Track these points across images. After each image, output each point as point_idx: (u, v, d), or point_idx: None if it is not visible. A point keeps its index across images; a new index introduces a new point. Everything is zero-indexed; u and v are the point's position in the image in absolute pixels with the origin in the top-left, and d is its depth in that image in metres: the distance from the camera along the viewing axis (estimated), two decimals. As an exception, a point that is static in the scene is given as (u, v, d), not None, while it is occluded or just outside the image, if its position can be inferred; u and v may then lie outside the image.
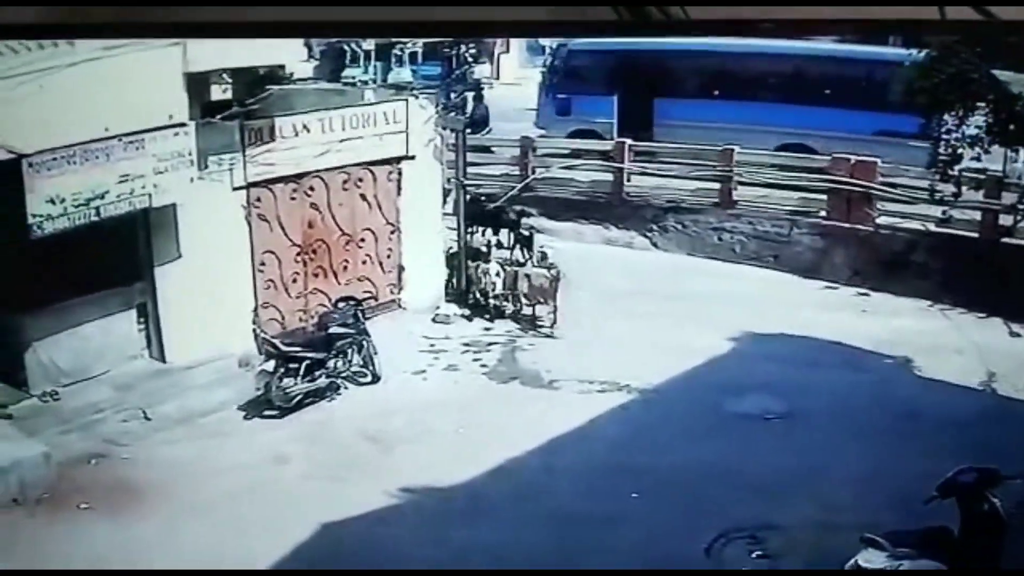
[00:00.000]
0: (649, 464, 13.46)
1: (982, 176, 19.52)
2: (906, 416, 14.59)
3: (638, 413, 15.06)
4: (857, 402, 15.28)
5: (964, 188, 19.84)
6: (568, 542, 11.67)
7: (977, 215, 20.03)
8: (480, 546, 11.57)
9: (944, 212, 19.15)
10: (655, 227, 24.23)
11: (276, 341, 15.40)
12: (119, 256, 14.98)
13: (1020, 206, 18.78)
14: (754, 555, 11.33)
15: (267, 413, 14.77)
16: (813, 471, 12.90)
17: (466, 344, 17.39)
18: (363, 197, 18.10)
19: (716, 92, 26.82)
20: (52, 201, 12.92)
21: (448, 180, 20.49)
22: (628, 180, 24.70)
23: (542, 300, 18.09)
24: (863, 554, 10.09)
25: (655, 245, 24.18)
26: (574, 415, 14.92)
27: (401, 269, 18.94)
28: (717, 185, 23.50)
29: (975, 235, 19.93)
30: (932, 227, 20.15)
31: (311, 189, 17.17)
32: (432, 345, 16.80)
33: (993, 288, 18.95)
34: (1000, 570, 7.29)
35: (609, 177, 24.86)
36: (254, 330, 16.28)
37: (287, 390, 14.84)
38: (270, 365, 14.94)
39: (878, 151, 22.48)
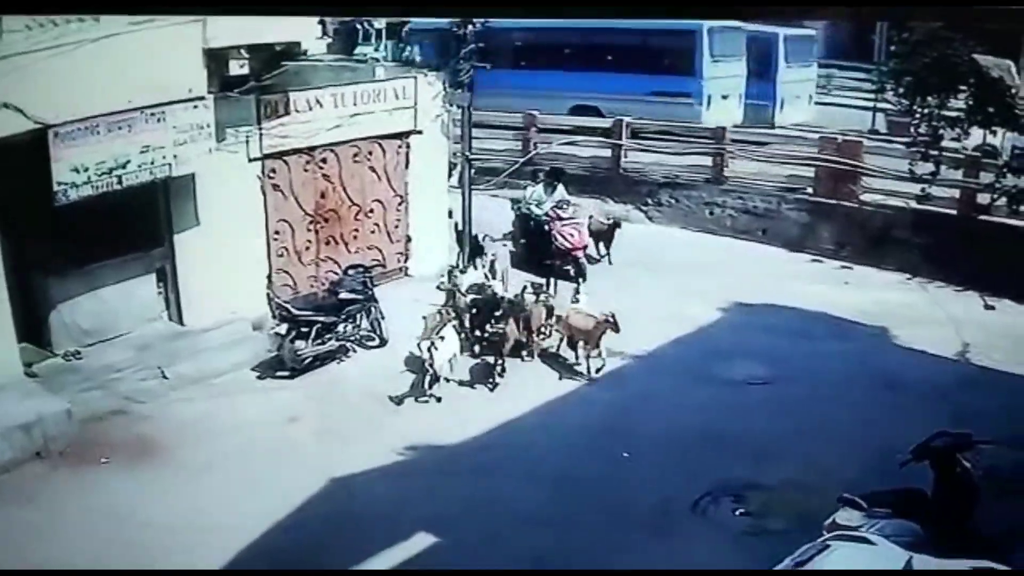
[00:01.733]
0: (640, 426, 13.48)
1: (961, 156, 19.42)
2: (884, 384, 14.56)
3: (632, 377, 15.04)
4: (838, 370, 15.24)
5: (943, 167, 19.80)
6: (563, 497, 11.71)
7: (955, 193, 19.94)
8: (480, 500, 11.59)
9: (923, 190, 19.04)
10: (651, 201, 24.17)
11: (289, 306, 15.32)
12: (140, 223, 14.91)
13: (996, 185, 18.66)
14: (737, 512, 11.33)
15: (279, 374, 14.74)
16: (796, 434, 12.87)
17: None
18: (372, 169, 18.01)
19: (522, 63, 28.43)
20: (76, 170, 12.84)
21: (454, 154, 20.36)
22: (625, 156, 24.63)
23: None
24: (840, 513, 10.07)
25: (650, 219, 24.12)
26: (570, 380, 14.93)
27: (408, 239, 18.89)
28: (710, 161, 23.43)
29: (953, 212, 19.85)
30: (913, 204, 20.03)
31: (323, 161, 17.07)
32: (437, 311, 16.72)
33: (969, 263, 18.89)
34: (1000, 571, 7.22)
35: (608, 153, 24.78)
36: (268, 295, 16.23)
37: (299, 352, 14.79)
38: (283, 328, 14.87)
39: (652, 109, 25.70)
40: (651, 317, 16.61)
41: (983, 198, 19.33)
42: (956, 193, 19.93)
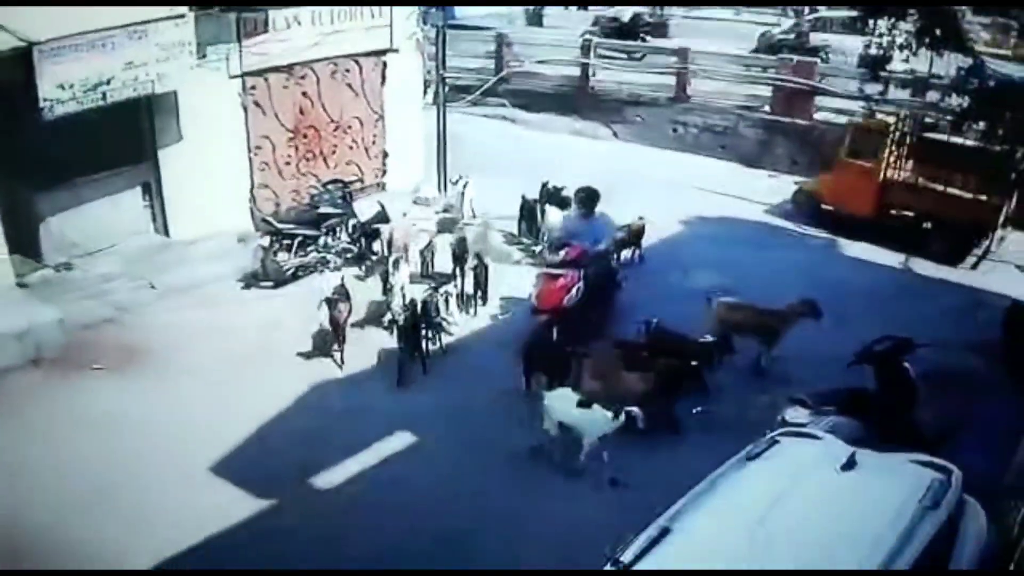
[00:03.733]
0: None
1: (909, 76, 19.29)
2: (832, 291, 14.62)
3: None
4: (790, 278, 15.31)
5: (892, 86, 19.71)
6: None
7: (902, 112, 19.86)
8: (450, 404, 11.67)
9: (870, 108, 19.00)
10: (617, 119, 23.93)
11: (271, 219, 15.16)
12: (125, 139, 14.64)
13: (942, 104, 18.58)
14: (695, 411, 11.43)
15: (263, 284, 14.63)
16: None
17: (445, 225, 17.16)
18: (350, 87, 17.67)
19: None
20: (62, 87, 12.52)
21: (429, 72, 20.00)
22: (594, 75, 24.30)
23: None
24: (789, 411, 10.24)
25: (616, 136, 23.92)
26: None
27: (385, 154, 18.65)
28: (673, 81, 23.17)
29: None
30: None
31: (302, 78, 16.71)
32: (413, 224, 16.57)
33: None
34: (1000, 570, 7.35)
35: (577, 72, 24.44)
36: (251, 209, 16.04)
37: (281, 264, 14.70)
38: (266, 241, 14.75)
39: None
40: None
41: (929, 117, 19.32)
42: (903, 112, 19.85)
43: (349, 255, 15.54)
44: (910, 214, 17.92)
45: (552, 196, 16.72)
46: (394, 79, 18.32)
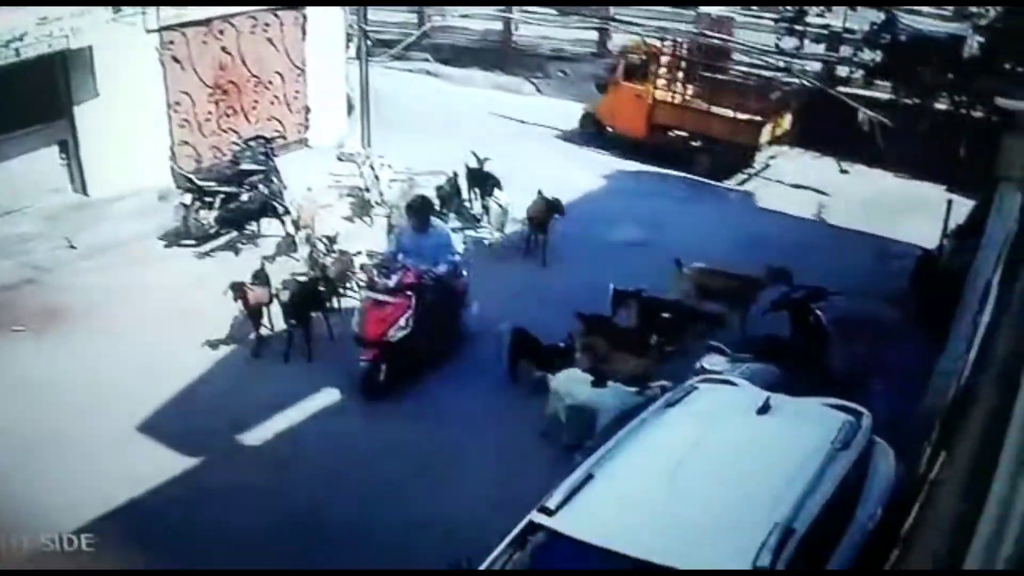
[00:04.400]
0: (540, 281, 13.78)
1: (824, 31, 19.61)
2: (750, 242, 14.93)
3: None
4: (708, 230, 15.56)
5: (806, 41, 19.99)
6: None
7: (818, 66, 20.21)
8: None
9: (787, 63, 19.29)
10: (540, 74, 23.86)
11: (192, 176, 14.82)
12: (40, 96, 14.18)
13: (854, 58, 18.95)
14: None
15: (185, 242, 14.34)
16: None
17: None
18: (270, 41, 17.27)
19: None
20: (-28, 43, 12.05)
21: (350, 26, 19.65)
22: (516, 29, 24.15)
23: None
24: (707, 358, 10.48)
25: (539, 91, 23.87)
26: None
27: (307, 110, 18.33)
28: (595, 36, 23.15)
29: (815, 84, 20.11)
30: (779, 77, 20.20)
31: (221, 32, 16.28)
32: (338, 181, 16.39)
33: (828, 131, 19.28)
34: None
35: (499, 26, 24.25)
36: (171, 166, 15.65)
37: (203, 222, 14.41)
38: (187, 199, 14.41)
39: None
40: (544, 185, 16.56)
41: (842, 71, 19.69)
42: (818, 66, 20.20)
43: (273, 212, 15.30)
44: (683, 134, 19.24)
45: (476, 176, 15.83)
46: (315, 33, 17.96)
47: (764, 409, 7.61)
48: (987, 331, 8.13)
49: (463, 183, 15.77)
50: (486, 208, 15.41)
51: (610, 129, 20.25)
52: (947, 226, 14.03)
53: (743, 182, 18.86)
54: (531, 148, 19.28)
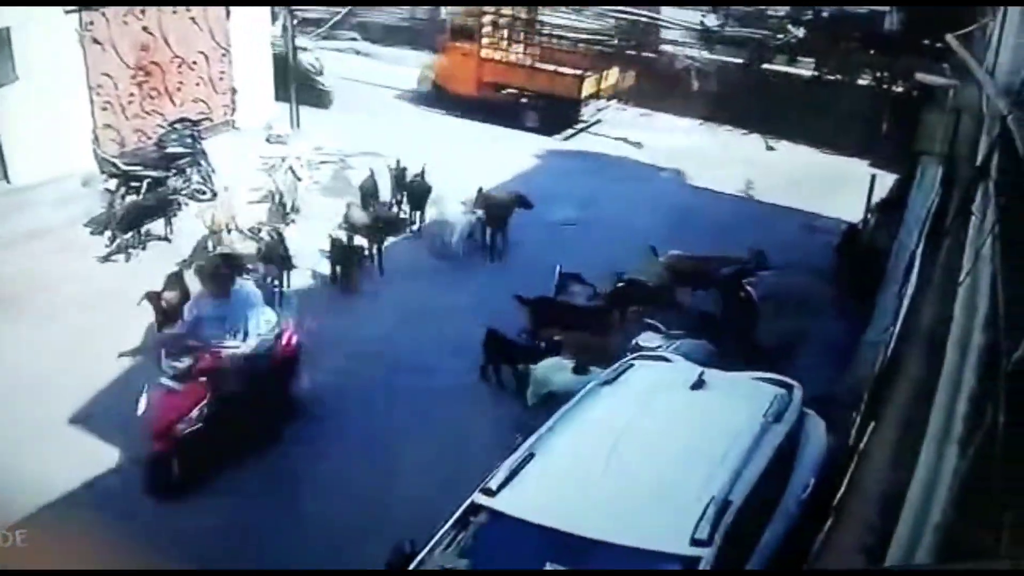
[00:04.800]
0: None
1: (749, 11, 19.87)
2: (679, 220, 15.11)
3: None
4: (640, 208, 15.69)
5: (731, 19, 20.27)
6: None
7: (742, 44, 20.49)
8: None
9: (712, 40, 19.57)
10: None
11: (116, 161, 14.44)
12: (-47, 79, 13.65)
13: (779, 38, 19.25)
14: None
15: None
16: (604, 269, 13.09)
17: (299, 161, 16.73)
18: (193, 20, 16.84)
19: None
20: None
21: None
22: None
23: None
24: (643, 336, 10.61)
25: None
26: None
27: (234, 91, 17.94)
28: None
29: (740, 61, 20.39)
30: (706, 54, 20.45)
31: (142, 12, 15.81)
32: (267, 163, 16.14)
33: (754, 108, 19.58)
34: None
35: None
36: (94, 150, 15.21)
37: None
38: (112, 184, 14.05)
39: None
40: (476, 164, 16.56)
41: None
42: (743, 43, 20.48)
43: (202, 196, 15.00)
44: (513, 91, 20.13)
45: (402, 183, 14.86)
46: (240, 11, 17.57)
47: (698, 384, 7.73)
48: (911, 303, 8.36)
49: (387, 184, 14.99)
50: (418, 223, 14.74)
51: (446, 89, 20.97)
52: (871, 200, 14.34)
53: (570, 137, 19.85)
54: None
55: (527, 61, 20.63)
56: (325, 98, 19.76)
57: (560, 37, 21.50)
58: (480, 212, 14.06)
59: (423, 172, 14.71)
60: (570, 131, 20.08)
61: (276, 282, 11.97)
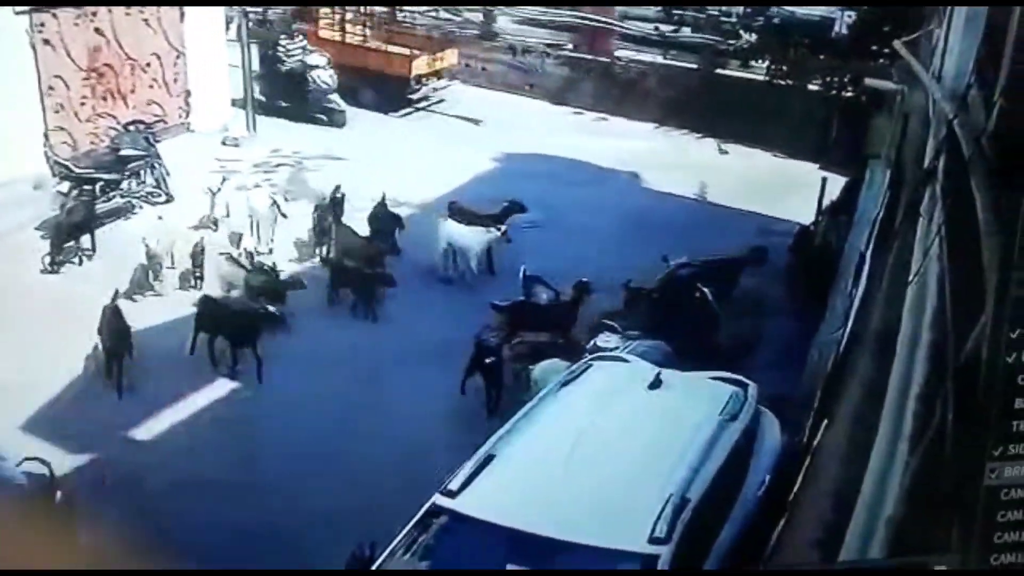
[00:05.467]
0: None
1: (702, 16, 20.05)
2: (635, 222, 15.17)
3: (416, 222, 14.82)
4: (596, 211, 15.74)
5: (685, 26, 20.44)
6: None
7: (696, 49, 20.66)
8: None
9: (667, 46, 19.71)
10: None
11: (69, 163, 14.22)
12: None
13: (731, 43, 19.45)
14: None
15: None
16: (563, 269, 13.10)
17: (255, 165, 16.61)
18: (147, 22, 16.62)
19: None
20: None
21: (231, 7, 19.09)
22: (401, 11, 23.83)
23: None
24: (600, 337, 10.66)
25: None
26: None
27: (188, 93, 17.71)
28: (480, 17, 23.10)
29: (694, 67, 20.55)
30: (660, 60, 20.59)
31: (94, 14, 15.58)
32: (223, 166, 15.97)
33: (708, 112, 19.73)
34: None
35: (385, 9, 23.90)
36: (46, 153, 14.95)
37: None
38: (65, 187, 13.84)
39: None
40: (432, 166, 16.54)
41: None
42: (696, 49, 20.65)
43: (157, 199, 14.80)
44: (350, 69, 20.25)
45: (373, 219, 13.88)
46: (195, 13, 17.35)
47: (655, 384, 7.80)
48: (861, 303, 8.49)
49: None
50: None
51: None
52: (822, 203, 14.51)
53: (407, 114, 20.29)
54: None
55: (360, 41, 21.14)
56: (339, 117, 19.42)
57: (397, 21, 22.18)
58: (504, 227, 13.43)
59: (383, 201, 14.05)
60: (408, 109, 20.49)
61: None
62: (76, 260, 13.18)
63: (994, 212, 3.93)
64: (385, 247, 13.25)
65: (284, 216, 13.76)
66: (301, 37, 19.89)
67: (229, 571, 7.98)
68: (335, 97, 19.30)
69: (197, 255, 12.51)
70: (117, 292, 11.25)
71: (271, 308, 11.08)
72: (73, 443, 9.47)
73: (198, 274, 12.50)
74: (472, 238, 13.35)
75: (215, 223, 13.44)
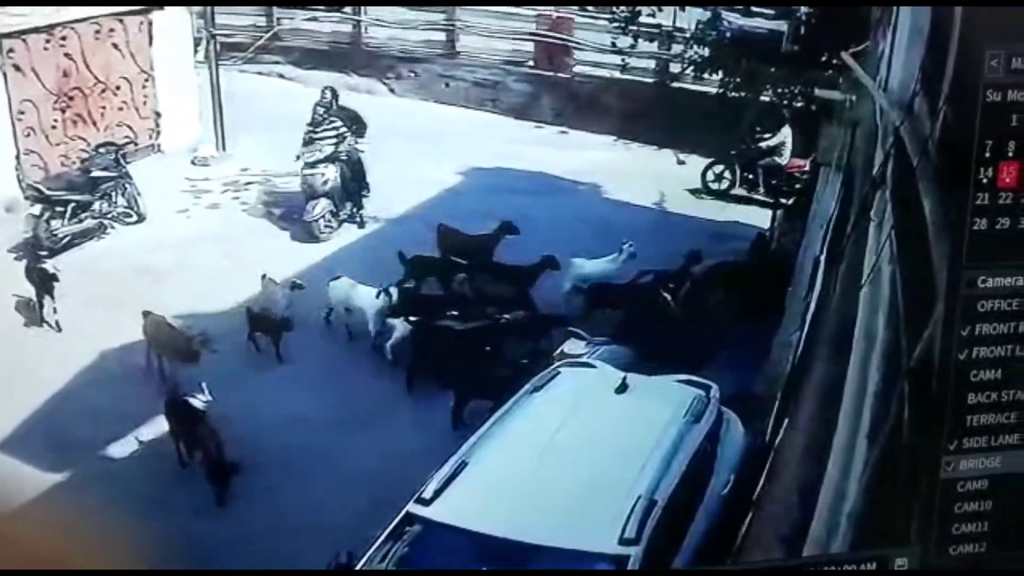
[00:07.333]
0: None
1: (656, 30, 20.15)
2: (596, 231, 15.26)
3: (387, 237, 14.77)
4: (559, 222, 15.80)
5: (640, 40, 20.51)
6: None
7: (652, 63, 20.76)
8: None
9: (623, 60, 19.70)
10: (391, 75, 23.60)
11: (40, 186, 14.05)
12: None
13: (686, 57, 19.55)
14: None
15: (38, 254, 13.51)
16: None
17: (225, 184, 16.49)
18: (116, 47, 16.47)
19: None
20: None
21: (198, 30, 18.95)
22: (366, 31, 23.81)
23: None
24: (567, 344, 10.67)
25: (392, 91, 23.60)
26: (325, 246, 14.59)
27: (158, 115, 17.56)
28: (443, 36, 23.07)
29: (650, 80, 20.68)
30: (617, 74, 20.67)
31: (64, 39, 15.43)
32: (193, 185, 15.83)
33: (665, 124, 19.85)
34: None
35: (349, 28, 23.85)
36: (17, 176, 14.75)
37: (55, 232, 13.69)
38: (36, 209, 13.67)
39: None
40: (400, 181, 16.52)
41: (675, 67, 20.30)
42: (652, 63, 20.76)
43: (128, 219, 14.64)
44: None
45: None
46: (162, 38, 17.23)
47: (622, 388, 7.82)
48: (817, 305, 8.55)
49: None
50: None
51: None
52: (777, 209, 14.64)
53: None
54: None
55: None
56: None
57: None
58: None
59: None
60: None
61: None
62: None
63: (942, 214, 3.97)
64: None
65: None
66: None
67: (229, 571, 7.87)
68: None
69: None
70: None
71: None
72: (55, 459, 9.31)
73: None
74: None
75: None
